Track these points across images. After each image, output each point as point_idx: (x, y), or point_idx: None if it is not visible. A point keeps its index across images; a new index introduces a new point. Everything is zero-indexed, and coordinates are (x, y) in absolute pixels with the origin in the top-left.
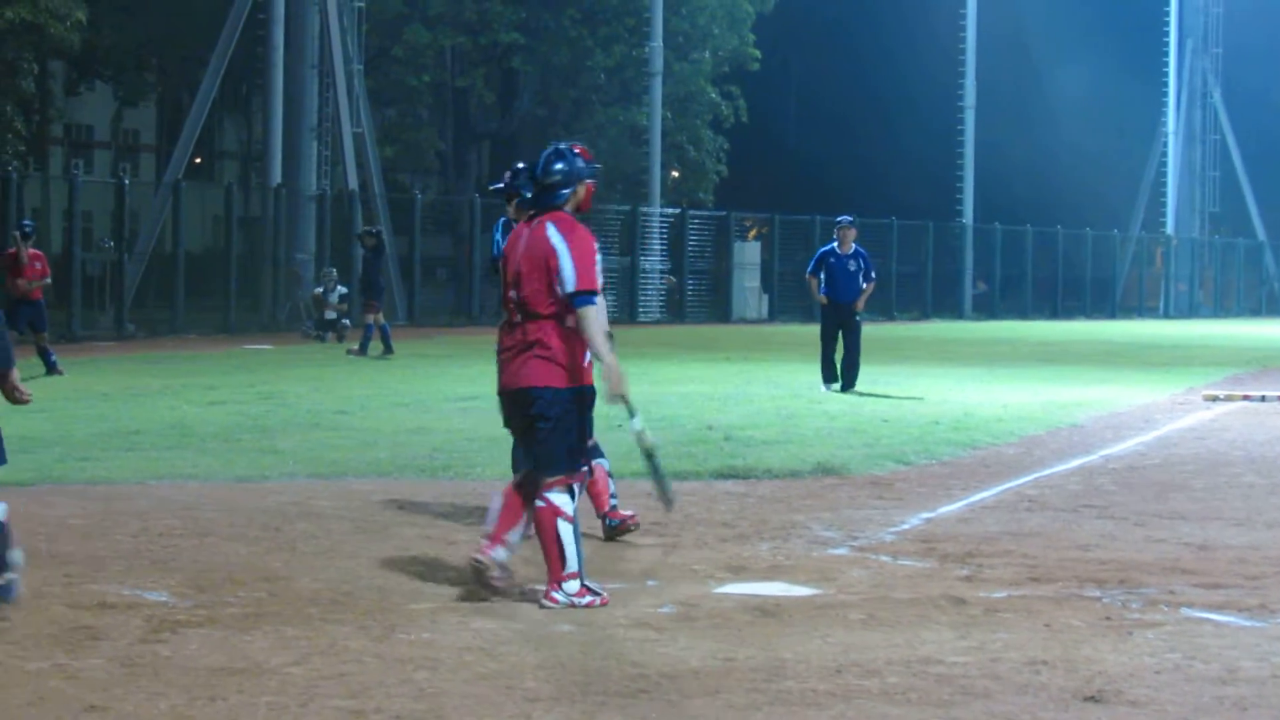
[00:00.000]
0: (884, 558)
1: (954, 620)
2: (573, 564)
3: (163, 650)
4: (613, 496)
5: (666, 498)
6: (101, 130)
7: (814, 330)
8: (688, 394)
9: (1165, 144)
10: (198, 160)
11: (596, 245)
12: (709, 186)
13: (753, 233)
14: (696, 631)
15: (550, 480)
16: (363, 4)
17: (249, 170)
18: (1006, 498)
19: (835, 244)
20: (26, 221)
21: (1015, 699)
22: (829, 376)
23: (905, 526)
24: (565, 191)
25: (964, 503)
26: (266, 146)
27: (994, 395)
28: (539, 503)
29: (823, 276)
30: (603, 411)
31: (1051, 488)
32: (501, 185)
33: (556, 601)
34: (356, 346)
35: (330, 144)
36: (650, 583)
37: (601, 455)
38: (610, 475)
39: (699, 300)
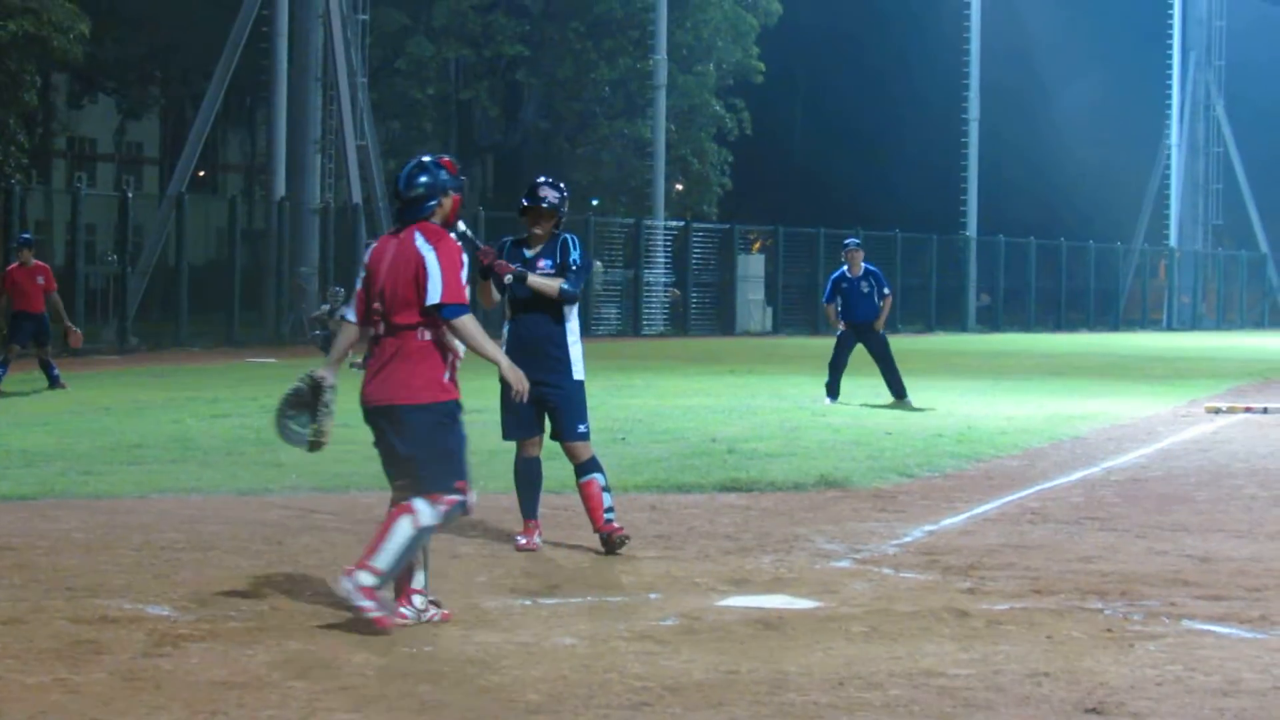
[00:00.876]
0: (886, 570)
1: (956, 632)
2: (383, 561)
3: (164, 664)
4: (608, 511)
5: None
6: (105, 143)
7: (818, 343)
8: (691, 406)
9: (1168, 156)
10: (201, 173)
11: (464, 259)
12: (713, 199)
13: (757, 245)
14: (699, 644)
15: (428, 495)
16: (366, 17)
17: (253, 183)
18: (1009, 510)
19: (845, 268)
20: (25, 234)
21: (1017, 711)
22: (834, 391)
23: (908, 539)
24: (431, 204)
25: (966, 515)
26: (270, 159)
27: (997, 408)
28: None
29: (839, 301)
30: (603, 427)
31: (1054, 500)
32: (556, 202)
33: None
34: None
35: (334, 157)
36: (653, 596)
37: (593, 471)
38: (607, 490)
39: (703, 313)
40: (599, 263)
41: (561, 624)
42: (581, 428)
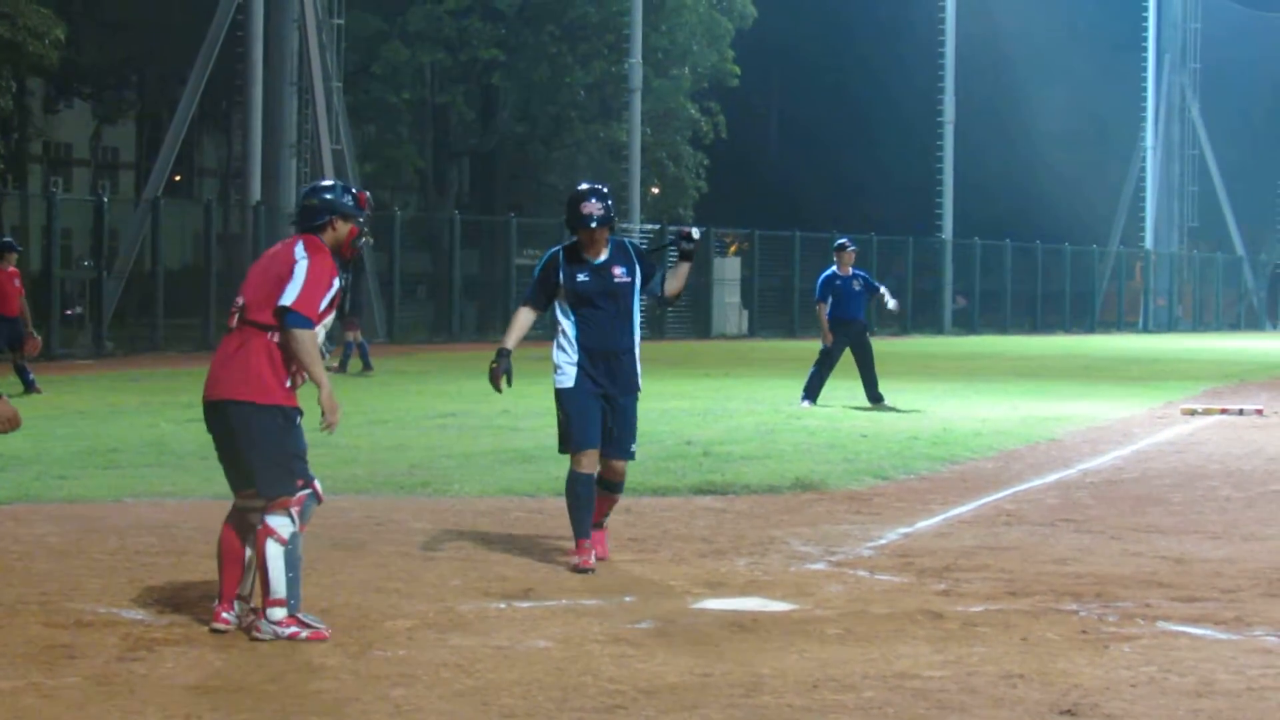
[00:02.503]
0: (861, 573)
1: (931, 634)
2: (278, 590)
3: (139, 668)
4: (605, 514)
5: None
6: (80, 148)
7: (794, 346)
8: (667, 410)
9: (1144, 159)
10: (177, 178)
11: (336, 284)
12: (688, 202)
13: (733, 248)
14: (673, 647)
15: (269, 502)
16: (342, 21)
17: (228, 187)
18: (984, 512)
19: (835, 267)
20: (7, 239)
21: (991, 712)
22: (813, 393)
23: (883, 541)
24: (319, 220)
25: (942, 517)
26: (245, 164)
27: (973, 410)
28: (258, 525)
29: (830, 300)
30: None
31: (1029, 502)
32: (604, 215)
33: (261, 631)
34: (336, 364)
35: (309, 161)
36: (627, 599)
37: (618, 492)
38: (611, 508)
39: (679, 316)
40: None
41: (536, 627)
42: (634, 447)
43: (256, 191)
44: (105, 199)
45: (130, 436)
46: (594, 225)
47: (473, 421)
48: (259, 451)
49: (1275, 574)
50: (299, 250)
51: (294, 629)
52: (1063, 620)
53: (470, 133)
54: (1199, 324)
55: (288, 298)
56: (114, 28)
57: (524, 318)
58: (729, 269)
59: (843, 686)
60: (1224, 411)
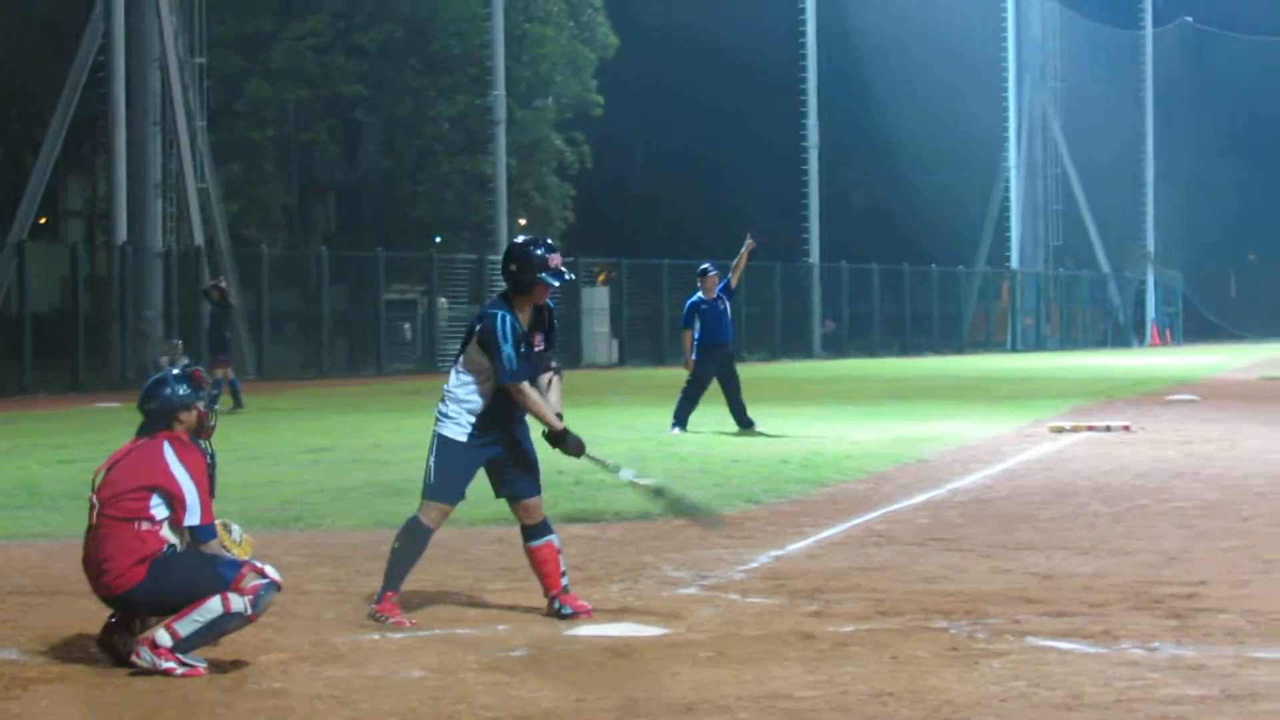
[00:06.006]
0: (733, 596)
1: (803, 655)
2: (183, 628)
3: (13, 707)
4: (563, 575)
5: (708, 520)
6: None
7: (664, 373)
8: (537, 440)
9: (1007, 178)
10: (43, 220)
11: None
12: (556, 233)
13: (601, 277)
14: (548, 674)
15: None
16: (203, 60)
17: (94, 228)
18: (855, 533)
19: (699, 293)
20: None
21: None
22: (682, 419)
23: (754, 564)
24: (164, 424)
25: (813, 539)
26: (111, 204)
27: (843, 433)
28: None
29: (697, 325)
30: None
31: (899, 522)
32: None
33: (140, 658)
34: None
35: (175, 200)
36: (500, 627)
37: (550, 532)
38: (560, 553)
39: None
40: (443, 300)
41: (410, 657)
42: (540, 481)
43: (123, 232)
44: None
45: (1, 479)
46: (562, 282)
47: (344, 456)
48: (179, 596)
49: (1142, 587)
50: (169, 455)
51: (171, 664)
52: (933, 638)
53: (336, 168)
54: (1066, 342)
55: (191, 518)
56: None
57: (531, 390)
58: (598, 298)
59: (716, 708)
60: (1091, 428)
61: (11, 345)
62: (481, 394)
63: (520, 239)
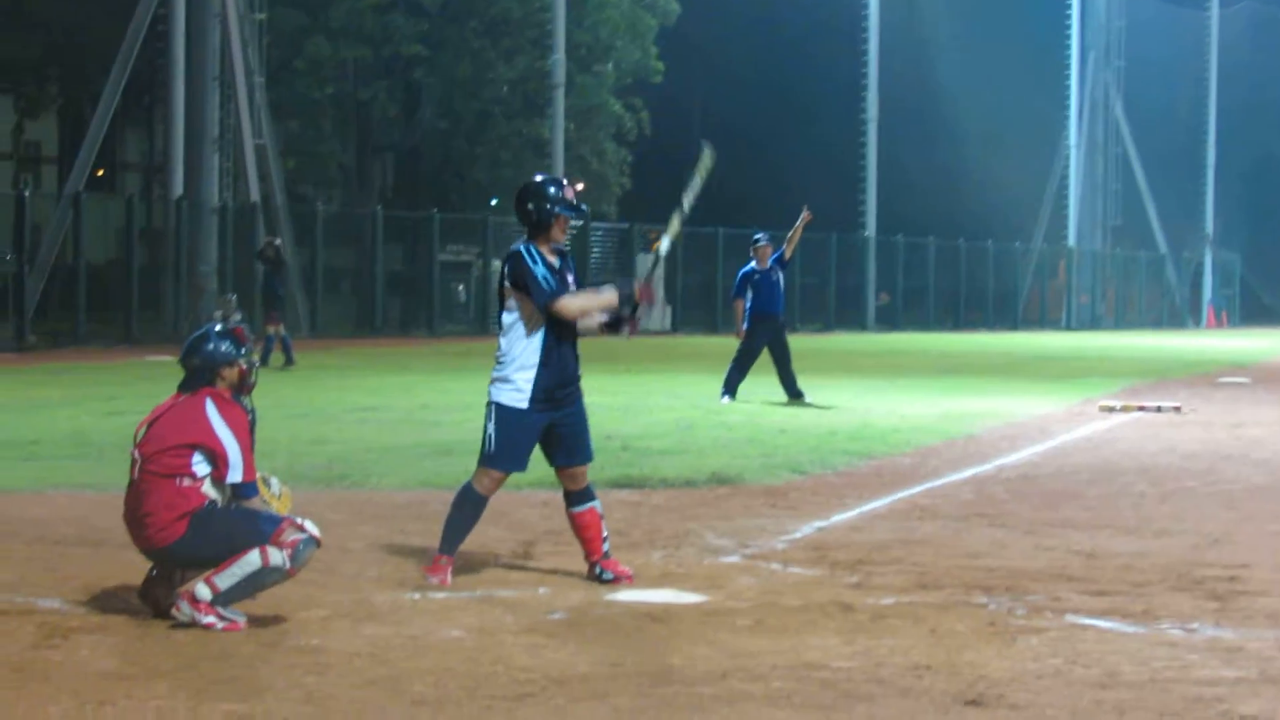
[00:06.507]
0: (774, 565)
1: (841, 626)
2: (222, 581)
3: (54, 656)
4: (605, 541)
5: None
6: (2, 142)
7: (716, 342)
8: (588, 405)
9: (1067, 157)
10: (100, 172)
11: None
12: (612, 198)
13: (655, 245)
14: (585, 638)
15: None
16: (264, 16)
17: (151, 182)
18: (899, 506)
19: (753, 262)
20: None
21: (897, 703)
22: (732, 388)
23: (797, 535)
24: (206, 379)
25: (857, 511)
26: (168, 158)
27: (893, 406)
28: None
29: (749, 294)
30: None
31: (944, 497)
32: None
33: (179, 612)
34: (257, 358)
35: (232, 156)
36: (541, 590)
37: (594, 498)
38: (603, 518)
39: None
40: (498, 262)
41: (450, 618)
42: (591, 447)
43: (179, 186)
44: (27, 193)
45: (51, 429)
46: (579, 215)
47: (393, 415)
48: (220, 551)
49: (1185, 568)
50: (211, 412)
51: (210, 618)
52: (972, 613)
53: (394, 128)
54: (1122, 322)
55: (234, 475)
56: (35, 21)
57: (571, 297)
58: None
59: (752, 676)
60: (1142, 409)
61: (66, 296)
62: (531, 343)
63: (534, 178)
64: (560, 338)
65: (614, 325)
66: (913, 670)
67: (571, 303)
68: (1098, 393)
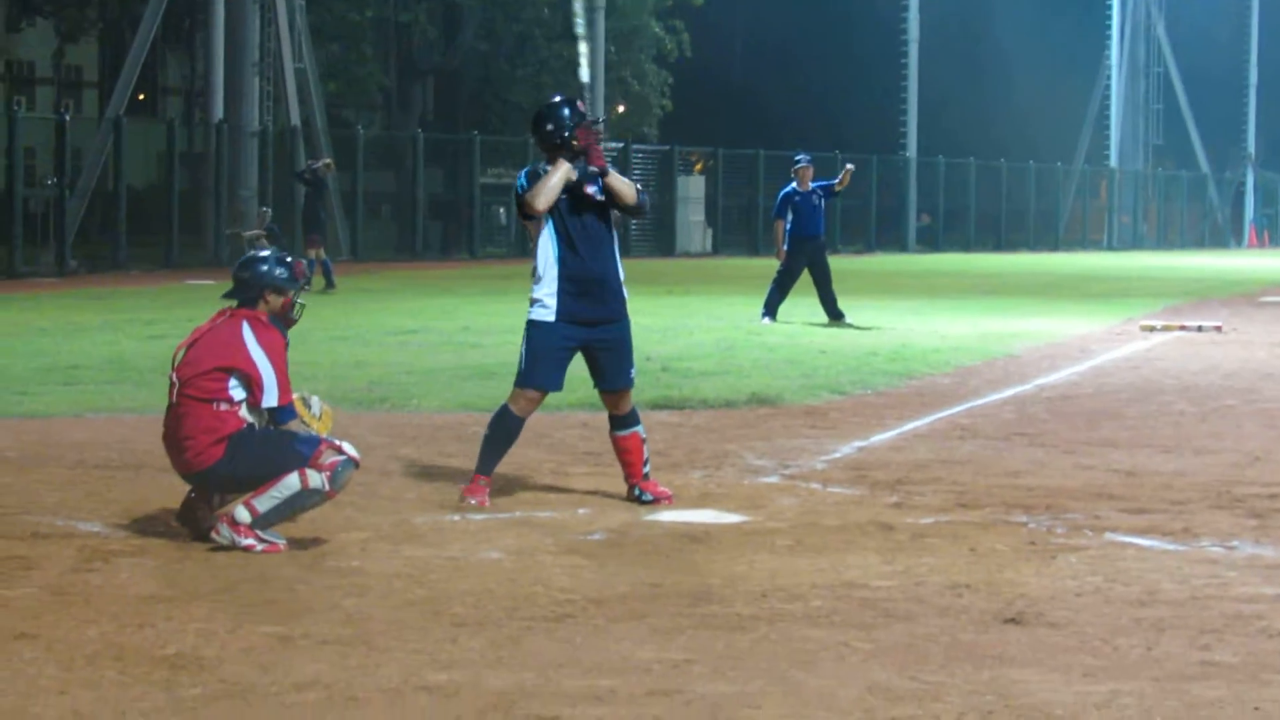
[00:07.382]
0: (814, 485)
1: (880, 545)
2: (261, 504)
3: (94, 579)
4: (646, 463)
5: None
6: (43, 66)
7: (757, 264)
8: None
9: (1109, 77)
10: (140, 96)
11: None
12: (653, 120)
13: (698, 166)
14: (625, 558)
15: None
16: None
17: (192, 106)
18: (939, 426)
19: (794, 184)
20: None
21: (936, 621)
22: (773, 309)
23: (837, 455)
24: (251, 295)
25: (896, 432)
26: (208, 83)
27: (933, 326)
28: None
29: (789, 216)
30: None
31: (984, 416)
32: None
33: (219, 534)
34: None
35: (273, 80)
36: (581, 511)
37: (638, 423)
38: (644, 442)
39: (643, 234)
40: None
41: (489, 539)
42: (633, 372)
43: (220, 110)
44: (68, 117)
45: (91, 353)
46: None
47: (433, 338)
48: (258, 474)
49: (1224, 487)
50: (247, 336)
51: (250, 540)
52: (1012, 532)
53: (434, 51)
54: (1163, 242)
55: (269, 399)
56: None
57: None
58: (693, 187)
59: (791, 596)
60: (1183, 328)
61: (107, 220)
62: (546, 255)
63: (550, 100)
64: (572, 244)
65: (583, 176)
66: (952, 589)
67: (533, 191)
68: (1138, 313)
